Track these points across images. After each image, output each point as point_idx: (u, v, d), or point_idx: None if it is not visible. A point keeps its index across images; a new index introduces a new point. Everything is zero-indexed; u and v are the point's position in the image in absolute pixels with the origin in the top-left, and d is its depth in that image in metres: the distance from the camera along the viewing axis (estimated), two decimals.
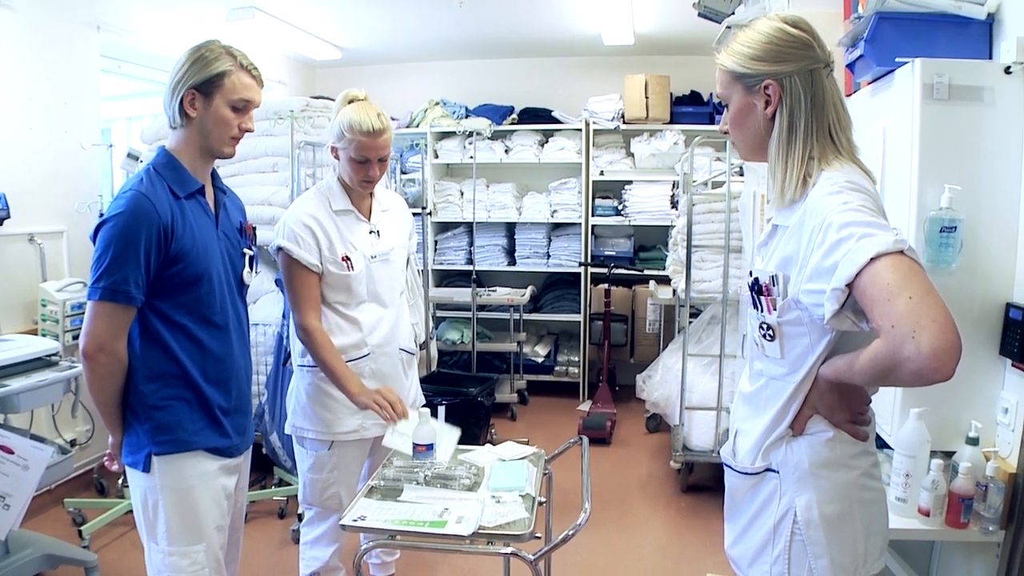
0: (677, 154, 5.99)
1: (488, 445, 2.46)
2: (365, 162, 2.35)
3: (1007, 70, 2.05)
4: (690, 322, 5.35)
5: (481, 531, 1.84)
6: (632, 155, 6.13)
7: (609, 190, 6.24)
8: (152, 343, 1.92)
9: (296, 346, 2.48)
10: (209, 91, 1.91)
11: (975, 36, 2.20)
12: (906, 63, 2.10)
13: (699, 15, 3.72)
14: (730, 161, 4.07)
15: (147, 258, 1.83)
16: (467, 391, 3.91)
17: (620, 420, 5.45)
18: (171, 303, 1.91)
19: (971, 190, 2.04)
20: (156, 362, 1.92)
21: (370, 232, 2.49)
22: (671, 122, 6.00)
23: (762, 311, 1.49)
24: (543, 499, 2.05)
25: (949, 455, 2.12)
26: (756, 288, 1.50)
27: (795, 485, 1.49)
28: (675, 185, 6.05)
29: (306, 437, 2.49)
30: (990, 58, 2.19)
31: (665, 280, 5.93)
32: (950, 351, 1.15)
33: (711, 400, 4.19)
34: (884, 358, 1.22)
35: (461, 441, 2.34)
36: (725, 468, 1.65)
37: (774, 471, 1.52)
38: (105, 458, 2.11)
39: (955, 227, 2.00)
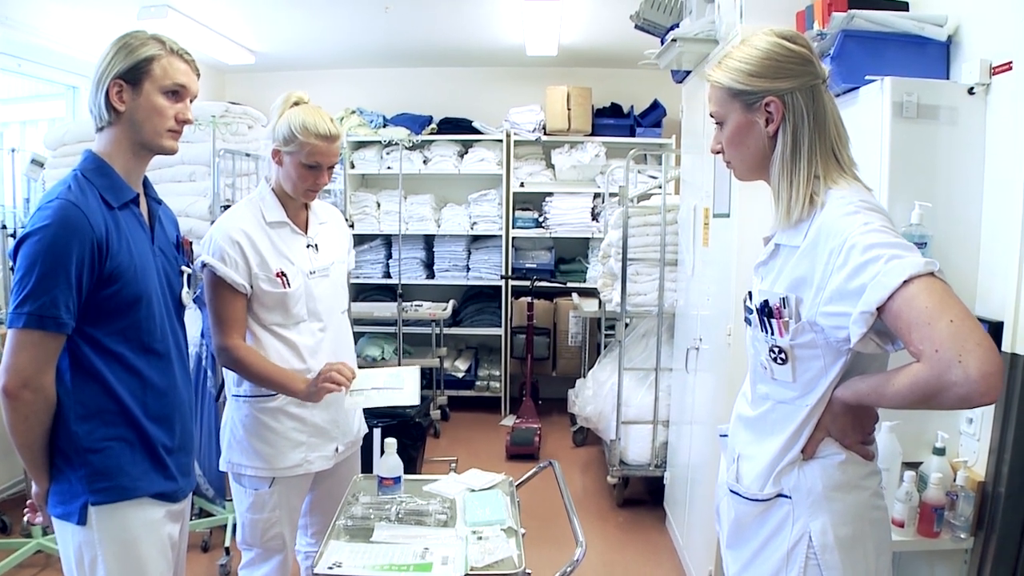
0: (598, 166, 6.04)
1: (452, 474, 2.35)
2: (316, 168, 2.19)
3: (970, 91, 2.10)
4: (608, 335, 5.43)
5: (472, 572, 1.74)
6: (553, 167, 6.13)
7: (529, 202, 6.22)
8: (85, 376, 1.68)
9: (230, 374, 2.29)
10: (137, 79, 1.70)
11: (934, 56, 2.26)
12: (874, 81, 2.13)
13: (636, 27, 3.72)
14: (667, 175, 4.09)
15: (79, 278, 1.60)
16: (403, 412, 3.78)
17: (546, 434, 5.41)
18: (106, 329, 1.69)
19: (936, 207, 2.07)
20: (91, 398, 1.69)
21: (307, 246, 2.31)
22: (592, 134, 6.02)
23: (772, 334, 1.46)
24: (523, 530, 1.96)
25: (915, 466, 2.16)
26: (766, 310, 1.46)
27: (809, 510, 1.46)
28: (596, 197, 6.10)
29: (244, 474, 2.27)
30: (947, 78, 2.24)
31: (588, 293, 5.98)
32: (997, 374, 1.15)
33: (647, 414, 4.19)
34: (927, 383, 1.20)
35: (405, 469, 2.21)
36: (729, 495, 1.60)
37: (786, 496, 1.48)
38: (26, 508, 1.84)
39: (925, 243, 2.03)
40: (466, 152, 6.14)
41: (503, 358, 6.18)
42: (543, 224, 6.15)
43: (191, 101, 1.80)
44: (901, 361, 1.32)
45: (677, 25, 3.46)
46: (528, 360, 5.77)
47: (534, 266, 6.19)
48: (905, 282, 1.21)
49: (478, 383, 6.27)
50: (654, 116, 6.16)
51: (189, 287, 1.93)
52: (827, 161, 1.45)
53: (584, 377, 5.50)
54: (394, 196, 5.94)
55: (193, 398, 2.00)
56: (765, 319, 1.47)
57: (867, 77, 2.13)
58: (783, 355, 1.44)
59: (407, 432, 3.71)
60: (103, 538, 1.71)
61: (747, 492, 1.54)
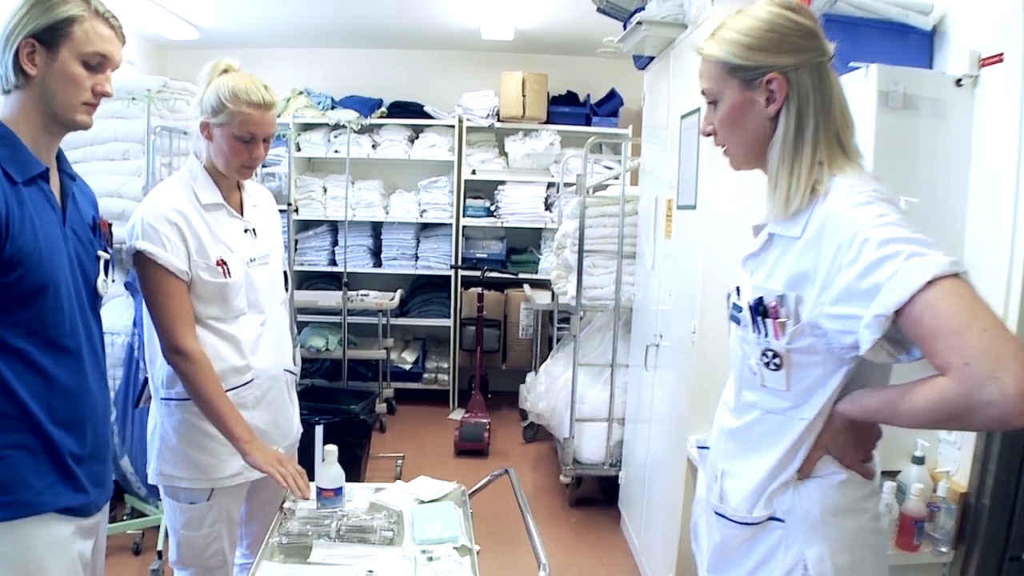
0: (552, 155, 5.88)
1: (399, 482, 2.15)
2: (250, 141, 1.96)
3: (958, 82, 1.99)
4: (560, 329, 5.28)
5: None
6: (506, 155, 5.95)
7: (481, 190, 6.03)
8: None
9: (159, 374, 2.04)
10: (54, 41, 1.47)
11: (916, 45, 2.15)
12: (859, 68, 2.00)
13: (599, 10, 3.55)
14: (626, 165, 3.94)
15: None
16: (347, 408, 3.57)
17: (495, 429, 5.24)
18: (5, 322, 1.46)
19: (922, 201, 1.95)
20: None
21: (245, 230, 2.09)
22: (548, 122, 5.86)
23: (766, 335, 1.30)
24: (478, 547, 1.79)
25: (893, 475, 2.06)
26: (759, 309, 1.31)
27: (805, 535, 1.31)
28: (550, 186, 5.95)
29: (179, 487, 2.03)
30: (930, 68, 2.13)
31: (540, 284, 5.84)
32: None
33: (602, 411, 4.06)
34: (955, 401, 1.06)
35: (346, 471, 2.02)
36: (713, 516, 1.45)
37: (779, 520, 1.34)
38: None
39: None
40: (417, 137, 5.92)
41: (452, 350, 5.99)
42: (495, 213, 5.97)
43: (112, 72, 1.57)
44: (908, 372, 1.18)
45: (642, 8, 3.31)
46: (477, 353, 5.59)
47: (485, 256, 6.02)
48: (928, 283, 1.07)
49: (426, 375, 6.07)
50: (611, 105, 6.02)
51: (107, 275, 1.69)
52: (831, 147, 1.31)
53: (535, 371, 5.36)
54: (341, 181, 5.69)
55: (108, 399, 1.75)
56: (758, 318, 1.31)
57: (852, 64, 2.00)
58: (777, 360, 1.29)
59: (351, 430, 3.51)
60: (1, 560, 1.49)
61: (734, 514, 1.39)
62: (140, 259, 1.92)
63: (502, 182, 5.96)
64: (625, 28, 3.53)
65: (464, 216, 5.90)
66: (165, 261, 1.90)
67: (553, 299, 5.19)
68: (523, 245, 6.27)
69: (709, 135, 1.43)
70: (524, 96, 5.68)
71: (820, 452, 1.31)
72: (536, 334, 5.82)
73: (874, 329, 1.12)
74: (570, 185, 5.38)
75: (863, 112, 1.97)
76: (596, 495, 4.30)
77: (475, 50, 6.00)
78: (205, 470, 2.02)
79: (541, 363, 5.14)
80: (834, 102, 1.32)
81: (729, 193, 2.64)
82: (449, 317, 5.99)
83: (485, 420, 5.17)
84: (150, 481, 2.09)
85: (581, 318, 4.16)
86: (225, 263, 2.00)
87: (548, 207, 6.00)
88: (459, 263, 5.89)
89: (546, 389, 4.43)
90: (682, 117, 2.92)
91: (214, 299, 2.00)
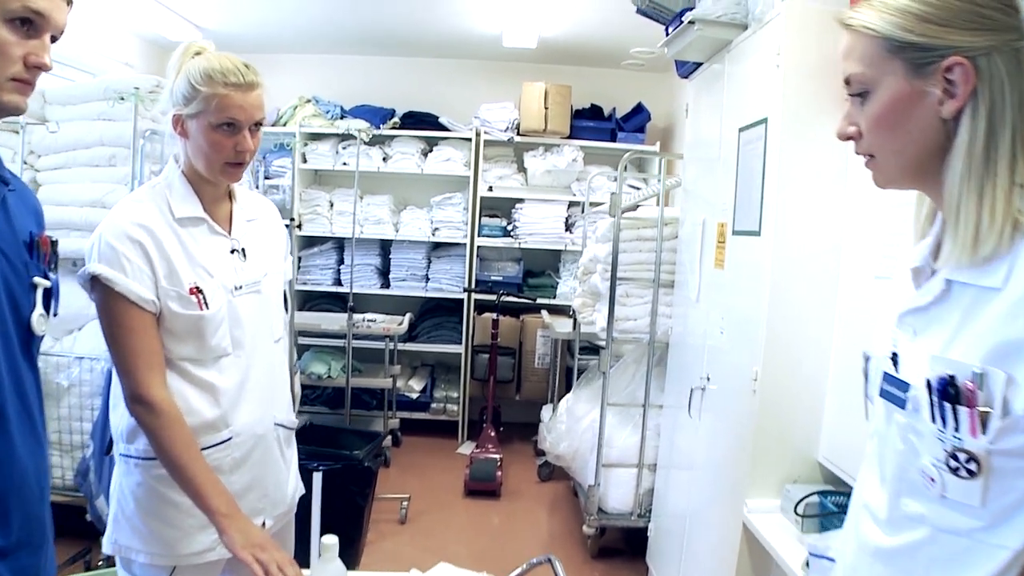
0: (575, 172, 5.56)
1: (414, 571, 1.77)
2: (232, 128, 1.63)
3: None
4: (582, 360, 4.93)
5: None
6: (524, 170, 5.63)
7: (497, 208, 5.70)
8: None
9: (119, 424, 1.69)
10: None
11: None
12: None
13: (639, 11, 3.23)
14: (663, 181, 3.61)
15: None
16: (350, 453, 3.20)
17: (507, 466, 4.87)
18: None
19: None
20: None
21: (232, 251, 1.74)
22: (570, 137, 5.53)
23: (956, 430, 0.93)
24: None
25: None
26: (947, 392, 0.94)
27: None
28: (572, 205, 5.63)
29: (135, 560, 1.67)
30: None
31: (558, 310, 5.50)
32: None
33: (631, 456, 3.70)
34: None
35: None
36: None
37: None
38: None
39: None
40: (430, 150, 5.59)
41: (462, 379, 5.64)
42: (511, 233, 5.64)
43: (54, 40, 1.20)
44: None
45: (690, 8, 2.98)
46: (491, 382, 5.24)
47: (500, 279, 5.67)
48: None
49: (434, 405, 5.71)
50: (637, 120, 5.70)
51: (48, 308, 1.32)
52: None
53: (553, 403, 5.03)
54: (349, 195, 5.34)
55: (45, 467, 1.37)
56: (945, 405, 0.94)
57: None
58: (972, 465, 0.92)
59: (354, 478, 3.14)
60: None
61: None
62: (96, 286, 1.57)
63: (520, 200, 5.63)
64: (668, 32, 3.21)
65: (479, 236, 5.56)
66: (125, 288, 1.56)
67: (575, 328, 4.84)
68: (540, 268, 5.93)
69: (849, 138, 1.08)
70: (546, 108, 5.36)
71: None
72: (554, 364, 5.47)
73: None
74: (597, 205, 5.06)
75: None
76: (619, 545, 3.93)
77: (494, 59, 5.68)
78: (168, 544, 1.65)
79: (558, 395, 4.80)
80: None
81: (801, 218, 2.31)
82: (460, 343, 5.64)
83: (497, 456, 4.82)
84: (104, 550, 1.72)
85: (584, 348, 3.82)
86: (201, 291, 1.64)
87: (569, 228, 5.67)
88: (473, 286, 5.55)
89: (568, 429, 4.07)
90: (740, 130, 2.58)
91: (188, 336, 1.65)
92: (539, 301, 5.57)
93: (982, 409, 0.90)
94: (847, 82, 1.05)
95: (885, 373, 1.07)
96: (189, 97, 1.62)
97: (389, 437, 5.19)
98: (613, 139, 5.65)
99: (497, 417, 5.33)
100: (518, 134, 5.48)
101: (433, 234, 5.58)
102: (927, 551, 0.99)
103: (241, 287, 1.73)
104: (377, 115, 5.44)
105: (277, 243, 1.92)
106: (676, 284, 3.54)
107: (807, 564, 1.89)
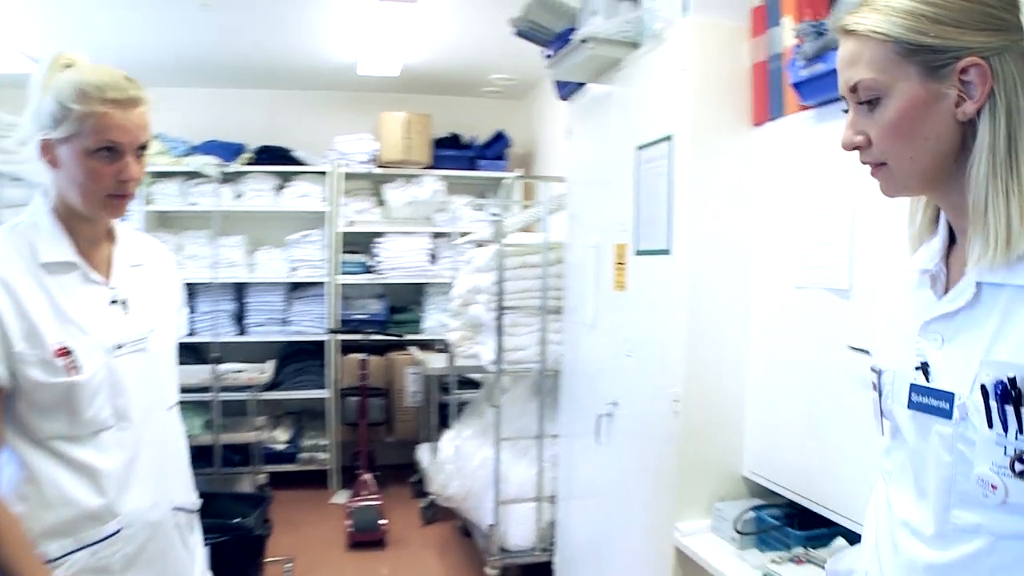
0: (437, 202, 5.47)
1: None
2: (113, 153, 1.41)
3: None
4: (459, 395, 4.81)
5: None
6: (384, 203, 5.48)
7: (358, 243, 5.52)
8: None
9: None
10: None
11: None
12: None
13: (518, 33, 3.19)
14: (547, 209, 3.57)
15: None
16: (237, 522, 2.89)
17: (388, 511, 4.63)
18: None
19: None
20: None
21: (112, 302, 1.50)
22: (431, 166, 5.44)
23: (1020, 432, 0.90)
24: None
25: None
26: (1008, 395, 0.91)
27: None
28: (436, 236, 5.53)
29: None
30: None
31: (427, 345, 5.36)
32: None
33: (530, 490, 3.60)
34: None
35: None
36: None
37: None
38: None
39: None
40: (285, 186, 5.34)
41: (330, 425, 5.37)
42: (374, 269, 5.47)
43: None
44: None
45: (572, 30, 2.98)
46: (363, 426, 5.02)
47: (365, 317, 5.48)
48: None
49: (301, 455, 5.39)
50: (498, 147, 5.73)
51: None
52: None
53: (431, 442, 4.87)
54: (199, 237, 4.99)
55: None
56: (1007, 408, 0.91)
57: None
58: None
59: (245, 549, 2.86)
60: None
61: None
62: None
63: (381, 234, 5.48)
64: (550, 52, 3.20)
65: (340, 273, 5.35)
66: None
67: (450, 362, 4.73)
68: (405, 303, 5.78)
69: (856, 148, 1.05)
70: (408, 138, 5.25)
71: None
72: (427, 402, 5.32)
73: None
74: (465, 234, 4.97)
75: None
76: None
77: (349, 89, 5.52)
78: None
79: (433, 434, 4.67)
80: None
81: (712, 234, 2.32)
82: (326, 388, 5.37)
83: (377, 503, 4.60)
84: None
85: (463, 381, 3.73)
86: (70, 352, 1.40)
87: (433, 260, 5.57)
88: (337, 326, 5.31)
89: (458, 469, 3.92)
90: (639, 148, 2.57)
91: (57, 409, 1.40)
92: (408, 337, 5.42)
93: None
94: (853, 89, 1.01)
95: (914, 385, 1.03)
96: (59, 118, 1.39)
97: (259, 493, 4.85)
98: (474, 167, 5.63)
99: (371, 461, 5.09)
100: (378, 165, 5.33)
101: (291, 274, 5.32)
102: (987, 561, 0.95)
103: (122, 345, 1.48)
104: (228, 151, 5.15)
105: (168, 292, 1.69)
106: (565, 310, 3.50)
107: None
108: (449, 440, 4.27)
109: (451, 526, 4.60)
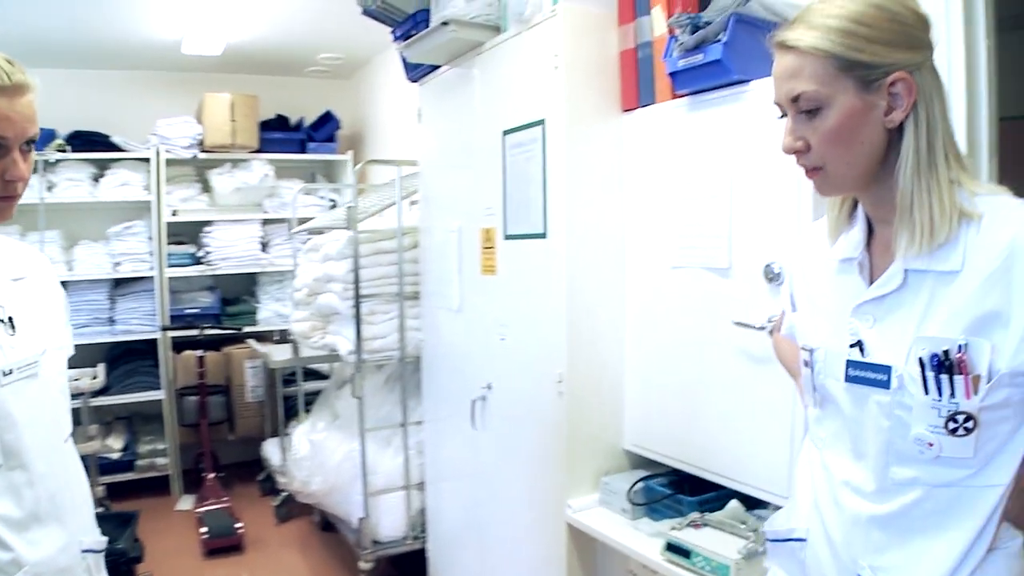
0: (267, 187, 5.27)
1: None
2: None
3: None
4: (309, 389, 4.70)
5: None
6: (211, 190, 5.21)
7: (184, 233, 5.22)
8: None
9: None
10: None
11: None
12: None
13: (365, 12, 3.13)
14: (400, 193, 3.53)
15: None
16: (112, 545, 2.66)
17: (239, 512, 4.47)
18: None
19: None
20: None
21: None
22: (259, 150, 5.23)
23: (952, 396, 1.05)
24: None
25: None
26: (943, 364, 1.04)
27: None
28: (266, 224, 5.34)
29: None
30: None
31: (264, 338, 5.20)
32: None
33: (398, 479, 3.59)
34: None
35: None
36: None
37: None
38: None
39: None
40: (103, 175, 4.94)
41: (168, 427, 5.08)
42: (203, 260, 5.20)
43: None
44: None
45: (425, 11, 2.96)
46: (204, 427, 4.80)
47: (197, 311, 5.19)
48: None
49: (139, 462, 5.06)
50: (327, 129, 5.59)
51: None
52: (959, 161, 1.11)
53: (276, 437, 4.75)
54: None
55: None
56: (942, 376, 1.05)
57: None
58: (970, 423, 1.05)
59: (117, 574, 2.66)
60: None
61: None
62: None
63: (209, 223, 5.21)
64: (397, 34, 3.17)
65: (168, 266, 5.04)
66: None
67: (295, 354, 4.60)
68: (237, 294, 5.54)
69: (797, 151, 1.14)
70: (233, 121, 5.01)
71: (1002, 520, 1.09)
72: (270, 396, 5.17)
73: None
74: (305, 220, 4.82)
75: None
76: (391, 571, 3.80)
77: (171, 69, 5.17)
78: None
79: (277, 428, 4.55)
80: (947, 107, 1.12)
81: (588, 217, 2.40)
82: (160, 388, 5.07)
83: (227, 504, 4.44)
84: None
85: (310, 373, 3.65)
86: None
87: (265, 248, 5.38)
88: (168, 323, 5.01)
89: (319, 464, 3.83)
90: (505, 133, 2.60)
91: None
92: (246, 330, 5.21)
93: (975, 374, 1.02)
94: (795, 100, 1.10)
95: (851, 361, 1.14)
96: None
97: (101, 508, 4.51)
98: (303, 150, 5.49)
99: (215, 462, 4.88)
100: (203, 150, 5.05)
101: (115, 269, 4.96)
102: (923, 507, 1.11)
103: (11, 371, 1.32)
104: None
105: (54, 307, 1.55)
106: (423, 295, 3.49)
107: (669, 547, 1.97)
108: (303, 434, 4.16)
109: (308, 522, 4.51)
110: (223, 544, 4.10)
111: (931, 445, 1.07)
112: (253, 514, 4.60)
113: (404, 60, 3.24)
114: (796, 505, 1.32)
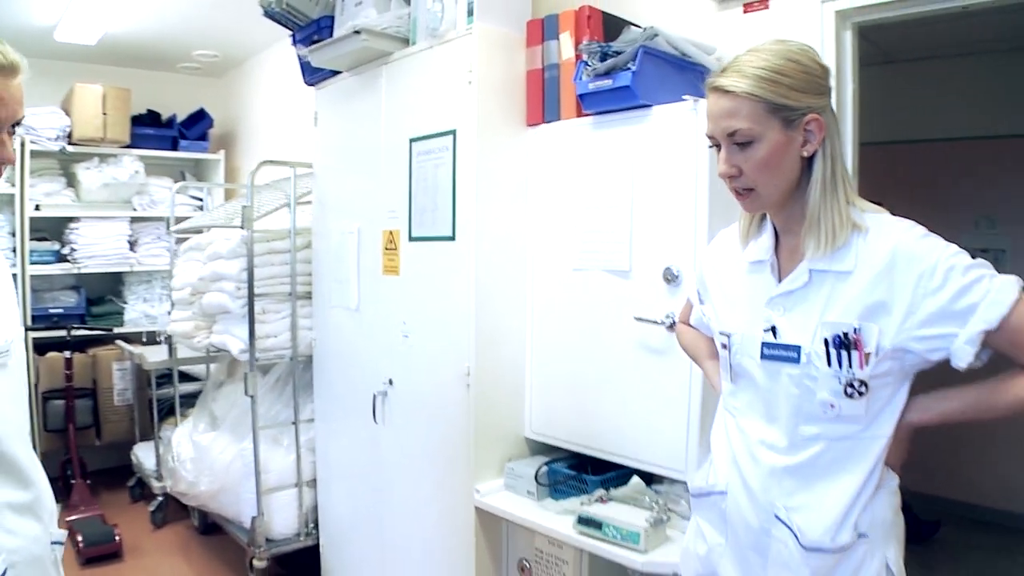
0: (137, 184, 5.20)
1: None
2: None
3: None
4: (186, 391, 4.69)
5: None
6: (77, 185, 5.09)
7: (47, 229, 5.07)
8: None
9: None
10: None
11: (697, 81, 2.35)
12: (683, 101, 2.13)
13: (266, 14, 3.22)
14: (294, 195, 3.62)
15: None
16: None
17: (112, 520, 4.40)
18: None
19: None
20: None
21: None
22: (129, 146, 5.14)
23: (849, 368, 1.36)
24: None
25: None
26: (843, 343, 1.36)
27: (883, 540, 1.43)
28: (135, 221, 5.28)
29: None
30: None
31: (132, 339, 5.13)
32: None
33: (290, 477, 3.68)
34: None
35: None
36: (797, 552, 1.43)
37: (864, 535, 1.41)
38: None
39: None
40: None
41: (32, 433, 4.90)
42: (68, 257, 5.07)
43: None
44: None
45: (329, 18, 3.10)
46: (71, 432, 4.70)
47: (61, 311, 5.06)
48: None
49: None
50: (200, 127, 5.58)
51: None
52: (850, 184, 1.44)
53: (147, 440, 4.73)
54: None
55: None
56: (841, 352, 1.36)
57: (684, 97, 2.11)
58: (863, 388, 1.36)
59: None
60: None
61: (819, 544, 1.41)
62: None
63: (75, 219, 5.08)
64: (298, 39, 3.28)
65: (30, 263, 4.88)
66: None
67: (171, 355, 4.59)
68: (101, 293, 5.42)
69: (732, 176, 1.42)
70: (105, 114, 4.91)
71: (884, 464, 1.42)
72: (139, 398, 5.12)
73: (975, 342, 1.29)
74: (182, 219, 4.79)
75: (694, 146, 2.09)
76: (280, 570, 3.88)
77: (41, 56, 4.98)
78: None
79: (148, 431, 4.55)
80: (842, 143, 1.44)
81: (495, 222, 2.62)
82: None
83: (98, 512, 4.37)
84: None
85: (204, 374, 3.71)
86: None
87: (133, 247, 5.30)
88: (29, 323, 4.86)
89: (208, 465, 3.86)
90: (413, 140, 2.79)
91: None
92: (116, 331, 5.12)
93: (867, 351, 1.34)
94: (731, 134, 1.39)
95: (766, 343, 1.42)
96: None
97: None
98: (175, 147, 5.45)
99: (83, 468, 4.77)
100: (71, 143, 4.93)
101: None
102: (824, 457, 1.42)
103: None
104: None
105: (8, 296, 1.55)
106: (315, 295, 3.60)
107: (581, 521, 2.21)
108: (185, 436, 4.18)
109: (186, 526, 4.50)
110: (101, 552, 4.04)
111: (833, 406, 1.38)
112: (126, 520, 4.53)
113: (302, 63, 3.35)
114: (713, 465, 1.60)
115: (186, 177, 5.75)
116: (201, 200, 5.57)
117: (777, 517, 1.45)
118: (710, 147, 1.46)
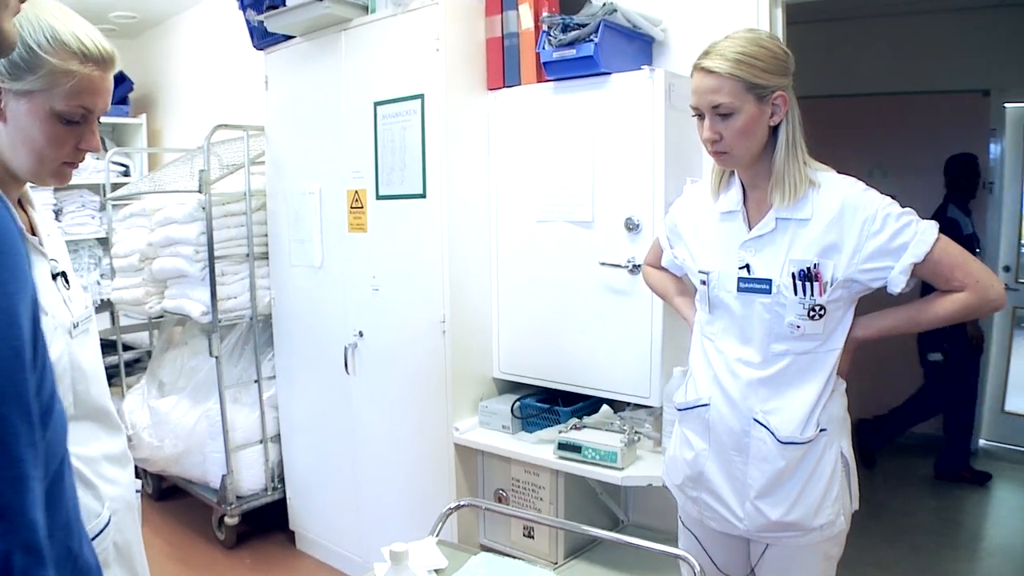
0: None
1: None
2: (82, 120, 1.34)
3: None
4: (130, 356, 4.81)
5: None
6: None
7: None
8: None
9: None
10: None
11: (645, 51, 2.73)
12: (642, 70, 2.48)
13: None
14: (248, 157, 3.80)
15: None
16: None
17: None
18: None
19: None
20: None
21: (54, 276, 1.41)
22: None
23: (811, 295, 1.74)
24: None
25: None
26: (807, 276, 1.74)
27: (838, 433, 1.84)
28: (57, 190, 5.32)
29: None
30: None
31: None
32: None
33: (255, 434, 3.93)
34: (975, 305, 1.73)
35: None
36: (774, 447, 1.80)
37: (824, 429, 1.81)
38: None
39: None
40: None
41: None
42: None
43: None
44: None
45: None
46: None
47: None
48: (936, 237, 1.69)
49: None
50: (120, 91, 5.58)
51: None
52: (805, 148, 1.82)
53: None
54: None
55: None
56: (806, 283, 1.74)
57: (644, 66, 2.48)
58: (822, 311, 1.74)
59: None
60: None
61: (791, 437, 1.79)
62: None
63: None
64: (245, 3, 3.45)
65: None
66: None
67: (114, 323, 4.73)
68: None
69: (716, 141, 1.78)
70: None
71: (836, 373, 1.83)
72: None
73: (906, 272, 1.70)
74: (119, 186, 4.89)
75: (650, 111, 2.46)
76: (247, 526, 4.12)
77: None
78: None
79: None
80: (799, 114, 1.82)
81: (463, 180, 2.93)
82: None
83: None
84: None
85: (156, 336, 3.92)
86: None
87: (58, 216, 5.36)
88: None
89: (172, 431, 4.04)
90: (377, 104, 3.04)
91: None
92: None
93: (825, 281, 1.73)
94: (716, 107, 1.74)
95: (741, 278, 1.80)
96: (26, 66, 1.26)
97: None
98: None
99: None
100: None
101: None
102: (791, 369, 1.81)
103: (77, 324, 1.42)
104: None
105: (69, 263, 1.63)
106: (272, 255, 3.81)
107: (561, 447, 2.57)
108: (136, 404, 4.35)
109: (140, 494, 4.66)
110: None
111: (798, 327, 1.77)
112: None
113: (251, 27, 3.53)
114: (695, 382, 1.97)
115: (106, 143, 5.78)
116: (127, 166, 5.64)
117: (756, 420, 1.83)
118: (693, 116, 1.81)
